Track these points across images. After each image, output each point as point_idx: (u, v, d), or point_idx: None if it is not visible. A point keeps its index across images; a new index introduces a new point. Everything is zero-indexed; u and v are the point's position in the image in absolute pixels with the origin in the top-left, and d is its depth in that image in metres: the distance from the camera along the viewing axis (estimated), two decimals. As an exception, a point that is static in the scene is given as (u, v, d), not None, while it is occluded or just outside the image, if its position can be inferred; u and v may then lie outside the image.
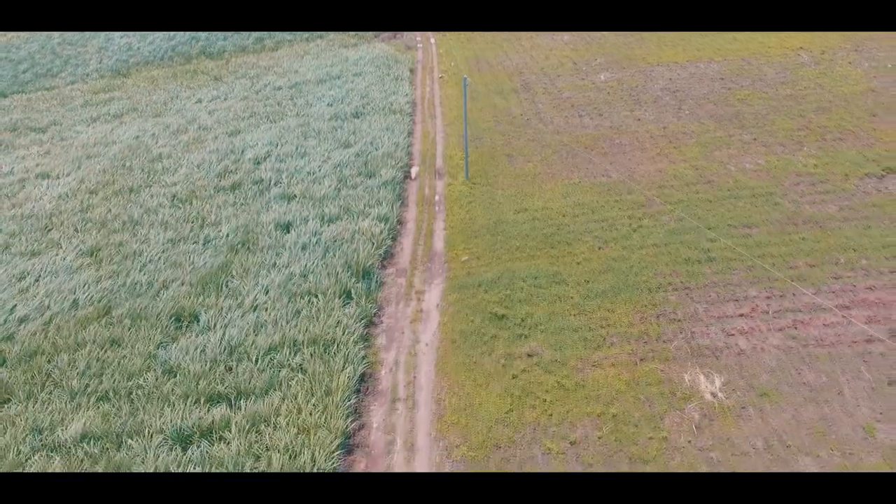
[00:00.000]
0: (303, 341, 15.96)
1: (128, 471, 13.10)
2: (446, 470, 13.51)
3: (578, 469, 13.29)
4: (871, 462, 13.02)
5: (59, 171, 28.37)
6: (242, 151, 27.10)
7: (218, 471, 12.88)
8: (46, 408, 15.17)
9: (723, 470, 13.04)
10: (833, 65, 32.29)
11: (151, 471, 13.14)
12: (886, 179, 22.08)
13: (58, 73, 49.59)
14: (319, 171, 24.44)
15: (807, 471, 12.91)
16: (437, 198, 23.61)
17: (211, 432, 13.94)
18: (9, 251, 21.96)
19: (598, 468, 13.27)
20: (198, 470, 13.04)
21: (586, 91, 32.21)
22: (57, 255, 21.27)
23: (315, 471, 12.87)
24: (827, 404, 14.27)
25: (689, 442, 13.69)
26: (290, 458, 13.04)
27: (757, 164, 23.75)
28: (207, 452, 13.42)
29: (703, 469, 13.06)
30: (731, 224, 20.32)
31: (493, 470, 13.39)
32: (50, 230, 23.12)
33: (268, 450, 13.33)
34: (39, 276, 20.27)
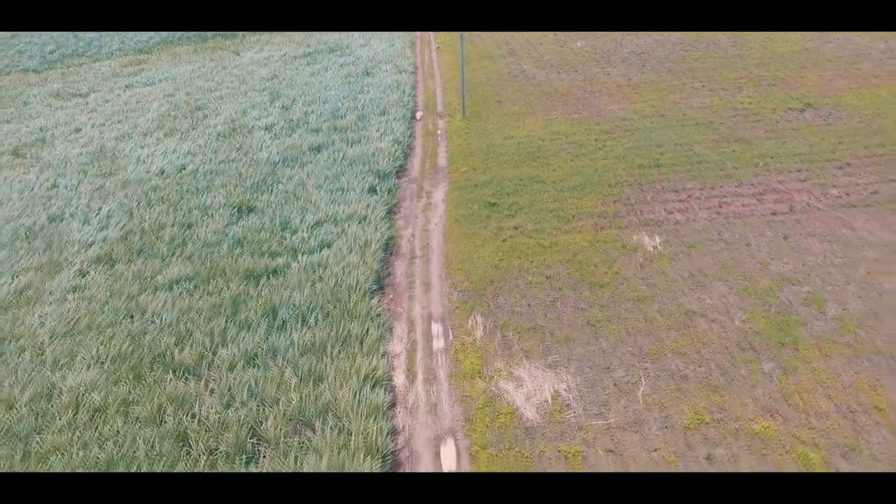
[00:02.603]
0: (341, 217, 20.64)
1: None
2: (455, 297, 18.20)
3: (552, 293, 18.01)
4: (763, 283, 17.80)
5: (110, 121, 32.84)
6: (272, 101, 31.76)
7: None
8: (144, 267, 19.73)
9: (658, 291, 17.79)
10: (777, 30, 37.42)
11: (232, 295, 17.70)
12: (805, 112, 27.08)
13: (83, 53, 53.97)
14: (340, 111, 29.16)
15: (716, 293, 17.68)
16: (438, 131, 28.45)
17: (276, 272, 18.58)
18: (86, 174, 26.45)
19: (566, 291, 18.02)
20: (266, 293, 17.60)
21: (564, 55, 37.17)
22: (125, 172, 25.79)
23: (358, 291, 17.52)
24: (737, 250, 19.10)
25: (634, 274, 18.47)
26: (336, 282, 17.69)
27: (703, 103, 28.73)
28: (273, 283, 18.05)
29: (643, 289, 17.82)
30: (678, 143, 25.21)
31: (488, 296, 18.09)
32: (115, 160, 27.62)
33: (321, 279, 18.00)
34: (115, 189, 24.79)
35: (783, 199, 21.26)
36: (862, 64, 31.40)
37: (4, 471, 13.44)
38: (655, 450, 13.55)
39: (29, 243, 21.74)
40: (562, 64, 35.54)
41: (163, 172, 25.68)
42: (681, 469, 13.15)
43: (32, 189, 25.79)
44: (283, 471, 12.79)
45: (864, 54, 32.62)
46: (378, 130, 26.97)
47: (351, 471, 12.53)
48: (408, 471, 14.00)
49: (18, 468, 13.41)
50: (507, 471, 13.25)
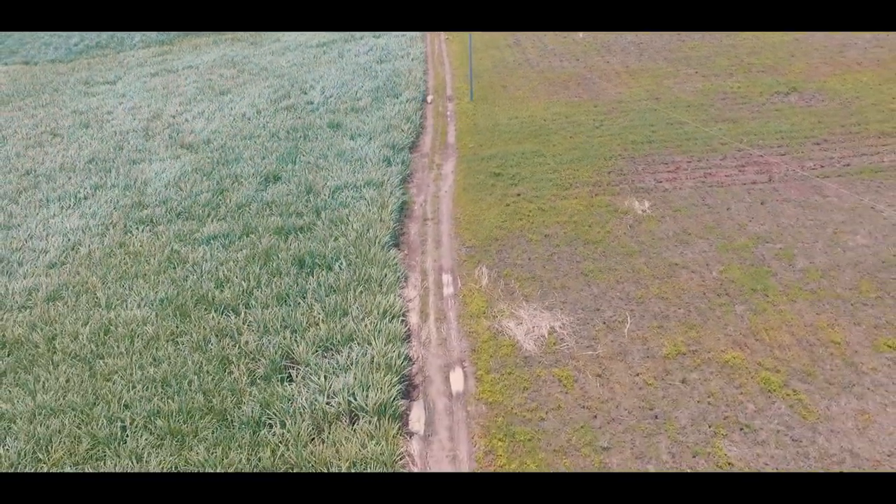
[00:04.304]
0: (360, 184, 22.76)
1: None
2: (463, 252, 20.27)
3: (550, 249, 20.05)
4: (740, 241, 19.78)
5: (141, 104, 35.08)
6: (292, 85, 33.94)
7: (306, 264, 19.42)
8: (184, 226, 21.88)
9: (646, 247, 19.80)
10: (770, 25, 39.34)
11: (264, 248, 19.81)
12: (790, 95, 29.03)
13: (106, 45, 56.29)
14: (356, 94, 31.32)
15: (698, 249, 19.67)
16: (448, 112, 30.57)
17: (302, 229, 20.71)
18: (122, 151, 28.70)
19: (563, 247, 20.06)
20: (294, 246, 19.68)
21: (567, 45, 39.21)
22: (159, 148, 28.01)
23: (376, 244, 19.60)
24: (718, 214, 21.08)
25: (624, 233, 20.49)
26: (356, 236, 19.81)
27: (695, 87, 30.70)
28: (300, 238, 20.17)
29: (632, 246, 19.83)
30: (669, 122, 27.21)
31: (493, 251, 20.15)
32: (149, 138, 29.85)
33: (343, 234, 20.11)
34: (151, 161, 27.00)
35: (763, 171, 23.22)
36: (847, 53, 33.29)
37: (75, 386, 15.62)
38: (638, 374, 15.58)
39: (77, 209, 23.95)
40: (564, 53, 37.59)
41: (193, 147, 27.87)
42: (658, 391, 15.18)
43: (74, 164, 28.01)
44: (314, 386, 14.88)
45: (851, 44, 34.49)
46: (392, 111, 29.08)
47: (372, 384, 14.60)
48: (419, 397, 16.14)
49: (87, 384, 15.58)
50: (507, 389, 15.33)
